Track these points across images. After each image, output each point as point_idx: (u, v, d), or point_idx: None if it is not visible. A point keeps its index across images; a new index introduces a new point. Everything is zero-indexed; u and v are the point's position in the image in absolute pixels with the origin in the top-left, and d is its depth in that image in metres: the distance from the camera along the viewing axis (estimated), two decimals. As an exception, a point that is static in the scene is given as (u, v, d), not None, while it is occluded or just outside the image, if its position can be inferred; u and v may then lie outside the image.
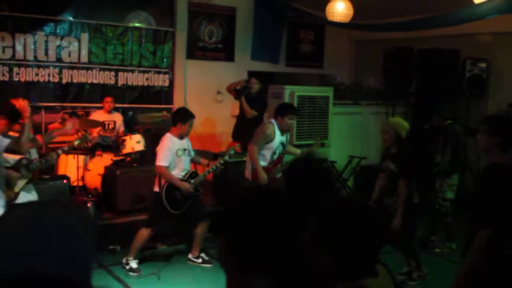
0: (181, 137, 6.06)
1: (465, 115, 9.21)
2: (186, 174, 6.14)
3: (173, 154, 5.96)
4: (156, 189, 6.08)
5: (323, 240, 1.79)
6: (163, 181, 6.00)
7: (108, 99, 8.24)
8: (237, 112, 9.03)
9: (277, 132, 6.51)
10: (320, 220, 1.84)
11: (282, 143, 6.66)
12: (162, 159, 5.90)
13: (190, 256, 6.47)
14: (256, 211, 1.59)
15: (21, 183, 5.14)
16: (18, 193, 5.10)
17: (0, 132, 4.70)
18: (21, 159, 5.13)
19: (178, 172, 6.07)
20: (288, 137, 6.83)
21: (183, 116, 6.10)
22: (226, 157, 6.45)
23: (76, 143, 5.88)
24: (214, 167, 6.38)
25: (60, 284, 1.07)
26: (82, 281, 1.12)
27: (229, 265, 1.61)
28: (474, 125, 8.22)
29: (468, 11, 6.90)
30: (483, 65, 9.38)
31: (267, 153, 6.59)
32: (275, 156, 6.66)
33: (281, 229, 1.58)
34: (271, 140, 6.52)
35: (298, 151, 7.11)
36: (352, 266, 1.76)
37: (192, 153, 6.35)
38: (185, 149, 6.12)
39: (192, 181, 6.16)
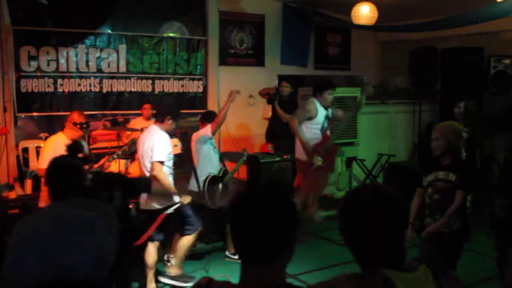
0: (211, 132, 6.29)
1: (492, 111, 9.11)
2: (220, 171, 6.25)
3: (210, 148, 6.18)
4: (192, 188, 6.20)
5: (343, 223, 1.78)
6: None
7: (147, 106, 8.38)
8: (269, 114, 9.13)
9: (319, 108, 6.68)
10: (344, 203, 1.84)
11: (327, 117, 6.77)
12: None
13: (227, 252, 6.56)
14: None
15: None
16: None
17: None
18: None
19: (211, 169, 6.19)
20: (332, 111, 6.92)
21: (212, 117, 6.41)
22: (244, 157, 6.63)
23: (126, 148, 6.01)
24: (239, 165, 6.76)
25: (82, 279, 1.07)
26: (101, 276, 1.13)
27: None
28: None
29: (491, 9, 6.85)
30: (507, 61, 9.27)
31: (316, 129, 6.69)
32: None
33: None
34: (314, 115, 6.66)
35: (340, 112, 7.22)
36: (368, 253, 1.72)
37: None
38: (215, 146, 6.28)
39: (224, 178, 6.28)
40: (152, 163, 5.28)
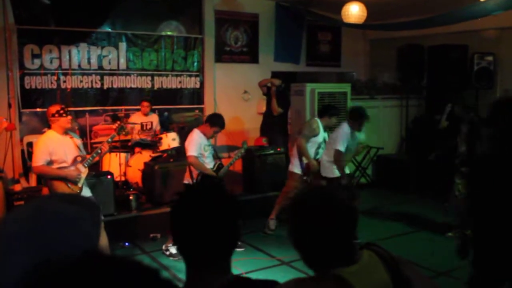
0: (205, 136, 6.08)
1: (475, 106, 9.09)
2: (214, 165, 6.18)
3: (201, 147, 6.01)
4: (186, 181, 6.10)
5: (292, 225, 1.67)
6: (194, 174, 6.01)
7: (145, 103, 8.33)
8: (263, 109, 9.08)
9: (321, 128, 6.69)
10: (290, 205, 1.75)
11: (324, 140, 6.80)
12: (192, 150, 5.90)
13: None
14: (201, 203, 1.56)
15: (83, 178, 5.25)
16: (81, 188, 5.20)
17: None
18: (76, 157, 5.20)
19: (206, 163, 6.13)
20: (327, 134, 6.91)
21: (213, 121, 6.13)
22: (242, 150, 6.55)
23: (115, 133, 5.82)
24: (236, 158, 6.54)
25: None
26: None
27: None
28: (484, 115, 8.14)
29: (475, 8, 6.83)
30: (490, 58, 9.24)
31: (312, 148, 6.67)
32: (319, 154, 6.77)
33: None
34: (316, 134, 6.66)
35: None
36: (322, 254, 1.62)
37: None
38: (209, 145, 6.18)
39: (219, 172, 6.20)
40: None
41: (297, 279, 1.58)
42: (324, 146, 6.79)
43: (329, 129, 6.89)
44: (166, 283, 0.83)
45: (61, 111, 5.08)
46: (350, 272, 1.55)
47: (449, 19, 7.61)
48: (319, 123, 6.71)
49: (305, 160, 6.74)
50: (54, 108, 5.11)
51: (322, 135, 6.75)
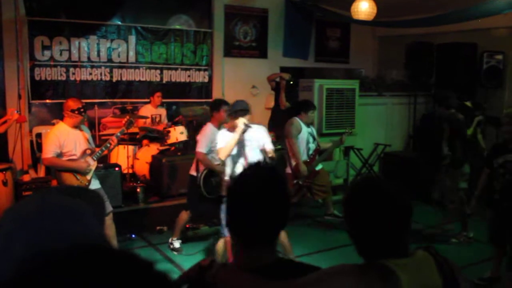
0: (219, 126, 5.96)
1: (484, 105, 9.03)
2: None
3: (213, 143, 5.96)
4: (192, 172, 6.06)
5: (347, 214, 1.71)
6: (201, 167, 5.97)
7: (159, 93, 8.35)
8: (271, 104, 9.06)
9: (303, 125, 6.80)
10: (350, 193, 1.77)
11: (311, 134, 6.82)
12: (202, 146, 5.83)
13: None
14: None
15: (92, 171, 5.27)
16: (90, 180, 5.22)
17: None
18: (85, 149, 5.23)
19: (215, 159, 6.10)
20: (313, 128, 7.03)
21: (215, 105, 6.11)
22: None
23: (125, 128, 5.83)
24: None
25: None
26: None
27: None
28: (493, 114, 8.08)
29: (486, 6, 6.77)
30: (499, 57, 9.16)
31: (302, 146, 6.71)
32: (311, 149, 6.84)
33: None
34: (299, 131, 6.75)
35: (329, 144, 7.20)
36: (376, 244, 1.63)
37: None
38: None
39: None
40: None
41: (345, 265, 1.59)
42: (313, 140, 6.87)
43: (311, 124, 7.01)
44: (160, 276, 0.82)
45: (81, 110, 5.14)
46: (399, 264, 1.55)
47: (459, 17, 7.54)
48: (298, 120, 6.81)
49: (294, 161, 6.76)
50: (75, 104, 5.15)
51: (306, 130, 6.82)
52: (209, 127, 5.97)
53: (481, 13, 7.10)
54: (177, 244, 6.14)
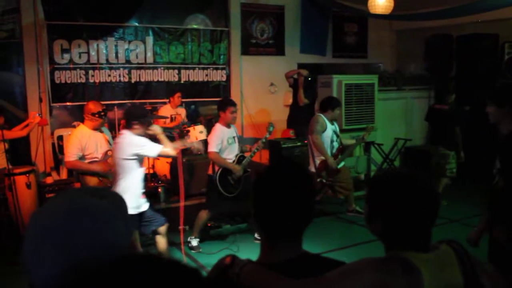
0: (228, 125, 6.06)
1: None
2: (235, 158, 6.15)
3: (224, 142, 5.99)
4: (210, 172, 6.14)
5: (376, 205, 1.68)
6: (216, 167, 6.04)
7: (179, 94, 8.37)
8: (289, 101, 9.02)
9: (327, 122, 6.78)
10: (374, 185, 1.75)
11: (334, 132, 6.84)
12: (213, 146, 5.94)
13: (256, 235, 6.44)
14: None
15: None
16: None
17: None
18: (106, 151, 5.25)
19: (229, 157, 6.10)
20: (337, 125, 7.02)
21: (221, 105, 6.16)
22: (267, 135, 6.41)
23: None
24: (258, 148, 6.33)
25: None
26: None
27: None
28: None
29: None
30: (521, 47, 9.00)
31: (326, 143, 6.77)
32: (334, 147, 6.86)
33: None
34: (324, 129, 6.73)
35: (352, 141, 7.17)
36: (400, 236, 1.62)
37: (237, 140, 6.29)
38: (234, 137, 6.14)
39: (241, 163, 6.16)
40: None
41: (368, 259, 1.58)
42: (336, 138, 6.84)
43: (335, 120, 6.97)
44: (207, 285, 0.86)
45: (102, 113, 5.17)
46: (421, 258, 1.55)
47: (479, 7, 7.40)
48: (323, 118, 6.78)
49: (318, 160, 6.71)
50: (95, 108, 5.18)
51: (330, 128, 6.80)
52: (218, 127, 6.06)
53: (502, 3, 6.97)
54: (195, 242, 6.19)
